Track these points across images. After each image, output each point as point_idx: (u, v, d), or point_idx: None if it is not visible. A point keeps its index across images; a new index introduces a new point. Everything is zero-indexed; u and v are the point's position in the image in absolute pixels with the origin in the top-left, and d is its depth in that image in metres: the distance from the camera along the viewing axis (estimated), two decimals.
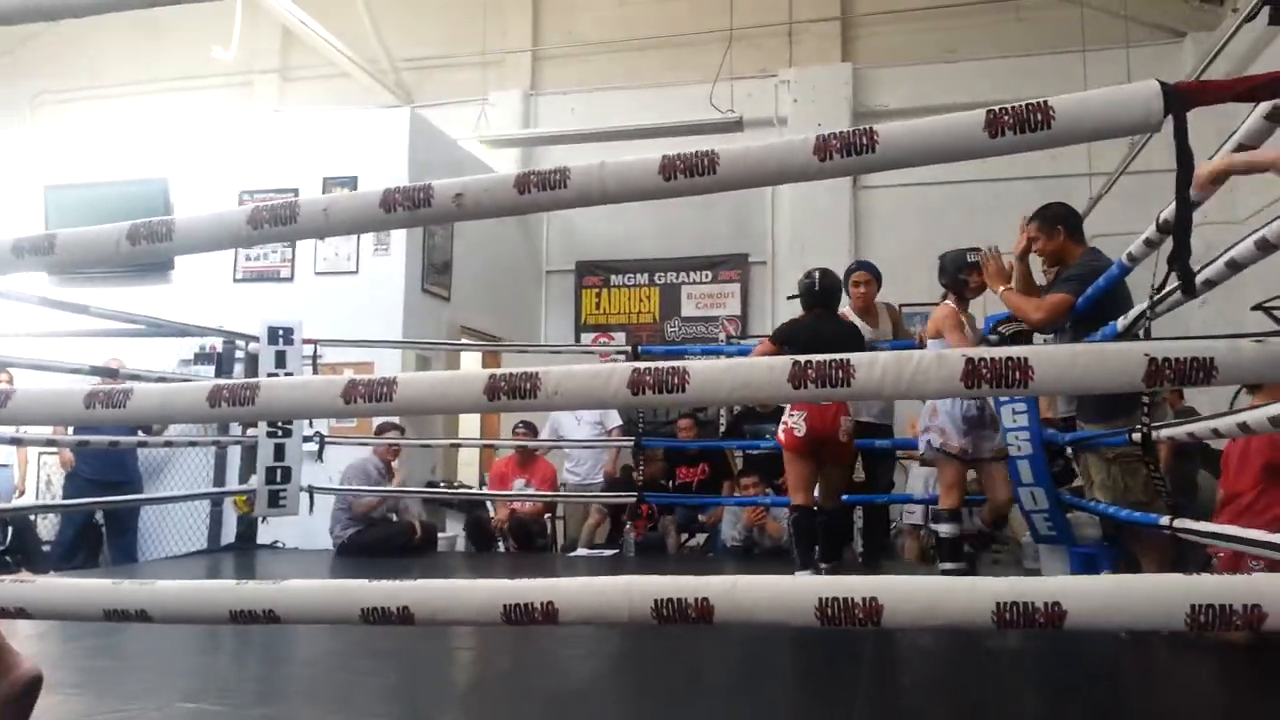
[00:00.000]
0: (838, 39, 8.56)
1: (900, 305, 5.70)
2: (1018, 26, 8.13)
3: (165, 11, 7.96)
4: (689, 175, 1.32)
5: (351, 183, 6.32)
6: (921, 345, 4.36)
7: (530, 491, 6.23)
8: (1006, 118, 1.20)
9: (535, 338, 8.68)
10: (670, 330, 8.60)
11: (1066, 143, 1.24)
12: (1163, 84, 1.16)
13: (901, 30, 8.49)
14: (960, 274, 3.97)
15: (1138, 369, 1.16)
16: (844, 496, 4.49)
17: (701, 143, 1.36)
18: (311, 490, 5.62)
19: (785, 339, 4.03)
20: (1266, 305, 4.20)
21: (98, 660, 2.76)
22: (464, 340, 7.30)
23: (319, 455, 5.85)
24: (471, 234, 7.25)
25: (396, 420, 5.83)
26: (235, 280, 6.64)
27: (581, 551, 6.06)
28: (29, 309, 4.23)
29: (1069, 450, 4.02)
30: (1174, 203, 1.29)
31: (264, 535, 5.87)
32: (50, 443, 5.45)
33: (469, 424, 7.95)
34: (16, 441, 5.11)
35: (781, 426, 4.03)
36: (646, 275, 8.75)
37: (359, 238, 6.47)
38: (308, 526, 5.69)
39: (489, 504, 6.45)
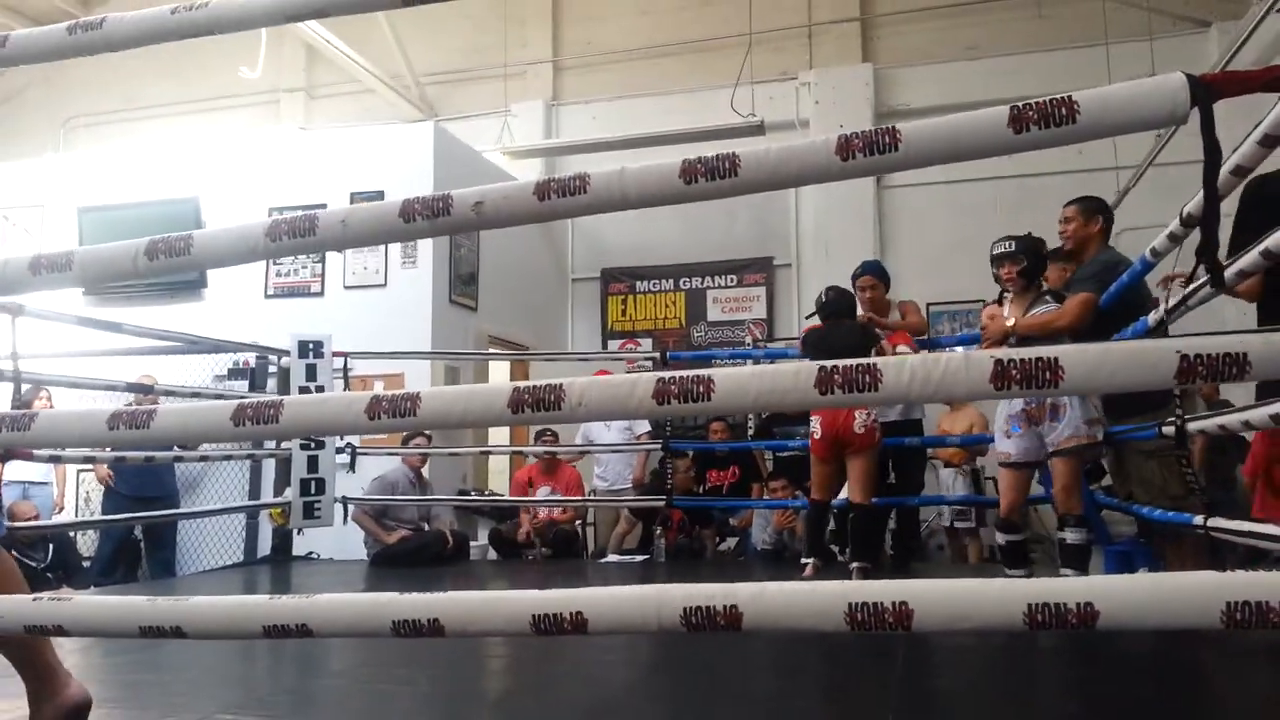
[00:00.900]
0: (858, 39, 8.52)
1: (928, 304, 5.65)
2: (1039, 22, 8.04)
3: None
4: (710, 178, 1.30)
5: (378, 197, 6.35)
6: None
7: (556, 498, 6.25)
8: (1030, 113, 1.18)
9: (562, 345, 8.71)
10: (697, 335, 8.59)
11: (1092, 137, 1.22)
12: (1188, 76, 1.14)
13: (922, 29, 8.43)
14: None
15: (1169, 366, 1.14)
16: (875, 499, 4.47)
17: (723, 147, 1.35)
18: (345, 501, 5.68)
19: (804, 344, 4.59)
20: None
21: (138, 674, 2.80)
22: (492, 350, 7.34)
23: (351, 467, 5.93)
24: (497, 244, 7.29)
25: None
26: (266, 296, 6.74)
27: (612, 558, 6.07)
28: (68, 329, 4.31)
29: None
30: (1200, 195, 1.27)
31: (299, 547, 5.92)
32: (88, 460, 5.54)
33: (498, 432, 7.98)
34: (55, 459, 5.20)
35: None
36: (671, 280, 8.75)
37: (386, 251, 6.54)
38: (342, 537, 5.75)
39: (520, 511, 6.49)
